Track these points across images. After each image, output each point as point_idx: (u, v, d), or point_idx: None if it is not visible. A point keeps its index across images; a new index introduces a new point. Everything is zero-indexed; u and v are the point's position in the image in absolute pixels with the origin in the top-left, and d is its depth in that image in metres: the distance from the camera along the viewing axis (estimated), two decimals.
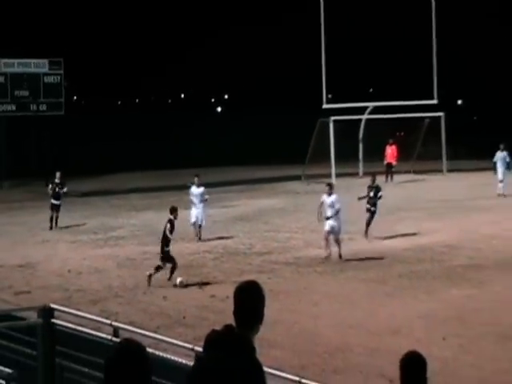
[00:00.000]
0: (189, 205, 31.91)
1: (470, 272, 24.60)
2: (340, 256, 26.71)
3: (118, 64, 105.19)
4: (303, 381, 10.00)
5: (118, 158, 57.40)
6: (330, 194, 27.46)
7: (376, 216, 30.11)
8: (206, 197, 32.10)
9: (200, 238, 30.88)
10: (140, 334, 11.94)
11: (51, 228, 34.69)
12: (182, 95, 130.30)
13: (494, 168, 42.01)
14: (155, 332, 13.94)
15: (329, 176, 49.48)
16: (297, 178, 50.77)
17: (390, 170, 50.39)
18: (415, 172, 52.76)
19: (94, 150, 60.34)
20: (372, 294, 22.28)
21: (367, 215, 30.13)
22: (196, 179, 32.10)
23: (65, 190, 35.59)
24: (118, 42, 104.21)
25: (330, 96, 51.88)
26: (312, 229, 31.64)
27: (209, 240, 30.83)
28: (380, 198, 30.23)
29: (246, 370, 5.78)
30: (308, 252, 27.80)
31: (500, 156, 41.76)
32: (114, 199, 43.75)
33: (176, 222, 24.58)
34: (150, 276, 23.76)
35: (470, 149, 63.78)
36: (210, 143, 67.03)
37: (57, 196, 35.20)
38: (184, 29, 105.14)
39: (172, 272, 24.08)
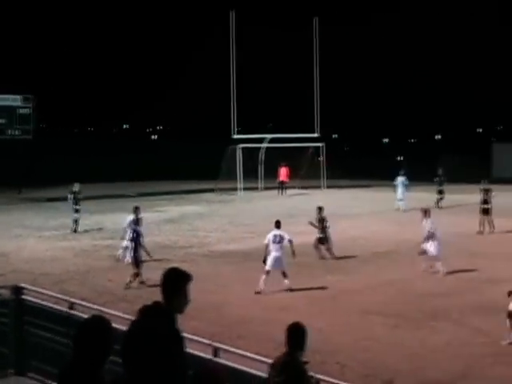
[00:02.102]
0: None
1: (340, 263, 24.93)
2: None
3: (77, 100, 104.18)
4: (213, 344, 10.05)
5: (74, 172, 56.68)
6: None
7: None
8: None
9: None
10: (91, 308, 11.87)
11: (75, 231, 32.36)
12: (125, 126, 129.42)
13: (394, 189, 40.77)
14: (103, 306, 13.85)
15: (236, 189, 49.68)
16: (211, 190, 50.82)
17: (282, 186, 50.74)
18: (301, 188, 53.15)
19: (56, 166, 59.55)
20: (267, 279, 22.38)
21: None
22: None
23: (79, 196, 33.49)
24: (76, 83, 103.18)
25: (238, 129, 52.05)
26: (223, 229, 31.69)
27: (145, 236, 30.58)
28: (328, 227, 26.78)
29: (167, 334, 5.80)
30: (220, 247, 27.83)
31: (400, 179, 40.73)
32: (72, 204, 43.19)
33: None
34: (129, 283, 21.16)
35: (343, 171, 64.53)
36: (147, 163, 66.66)
37: (76, 202, 33.23)
38: (129, 76, 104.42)
39: (135, 277, 21.35)
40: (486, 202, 31.52)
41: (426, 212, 24.11)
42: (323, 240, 26.42)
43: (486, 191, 32.10)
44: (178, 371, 5.71)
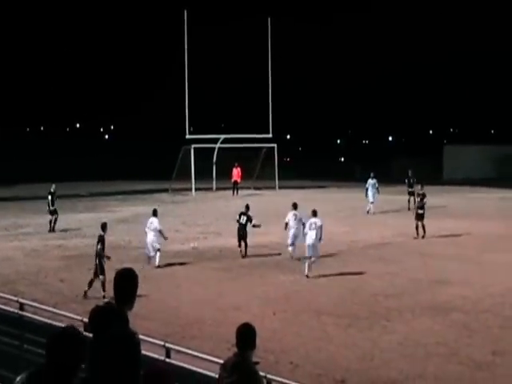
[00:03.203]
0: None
1: (293, 263, 24.93)
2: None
3: (27, 99, 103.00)
4: (167, 345, 10.01)
5: (25, 172, 56.26)
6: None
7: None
8: None
9: None
10: (41, 308, 11.73)
11: (50, 230, 32.26)
12: (78, 125, 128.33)
13: (365, 192, 40.29)
14: (54, 307, 13.70)
15: (190, 190, 49.51)
16: (165, 190, 50.63)
17: (235, 187, 50.70)
18: (255, 188, 53.22)
19: (6, 166, 58.84)
20: (220, 279, 22.39)
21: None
22: None
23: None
24: (27, 81, 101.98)
25: (191, 129, 51.89)
26: (176, 229, 31.57)
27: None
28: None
29: (122, 336, 5.74)
30: (173, 247, 27.67)
31: (371, 183, 40.28)
32: (23, 204, 42.78)
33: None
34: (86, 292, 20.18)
35: (296, 171, 64.85)
36: (99, 162, 66.14)
37: (53, 203, 32.82)
38: (82, 74, 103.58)
39: (103, 286, 20.09)
40: (421, 207, 31.49)
41: (294, 206, 27.39)
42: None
43: (421, 196, 32.05)
44: (135, 371, 5.65)
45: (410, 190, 40.58)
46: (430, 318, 17.98)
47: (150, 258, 24.70)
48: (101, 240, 20.74)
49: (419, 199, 31.76)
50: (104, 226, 21.47)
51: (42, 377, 5.06)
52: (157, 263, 24.29)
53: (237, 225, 26.77)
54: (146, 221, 25.82)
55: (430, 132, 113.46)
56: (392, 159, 71.97)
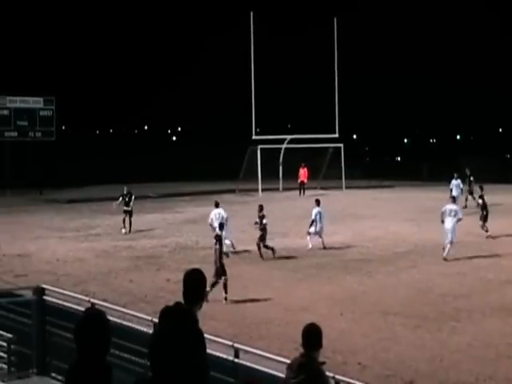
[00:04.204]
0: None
1: (360, 264, 24.81)
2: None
3: (97, 102, 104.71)
4: (235, 345, 10.05)
5: (95, 173, 57.02)
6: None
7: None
8: None
9: None
10: (111, 308, 11.90)
11: (124, 229, 32.18)
12: (146, 127, 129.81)
13: (450, 193, 37.91)
14: (123, 307, 13.89)
15: (256, 190, 49.63)
16: (232, 191, 50.80)
17: (302, 187, 50.60)
18: (321, 188, 53.05)
19: (77, 168, 59.86)
20: (287, 280, 22.38)
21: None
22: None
23: (132, 198, 33.12)
24: (97, 84, 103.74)
25: (258, 130, 52.02)
26: (243, 230, 31.68)
27: (166, 237, 30.76)
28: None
29: (191, 336, 5.81)
30: (240, 247, 27.76)
31: (454, 183, 39.45)
32: (93, 205, 43.37)
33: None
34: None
35: (363, 171, 64.46)
36: (167, 164, 66.76)
37: (127, 204, 32.89)
38: (149, 78, 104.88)
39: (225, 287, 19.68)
40: (481, 208, 31.08)
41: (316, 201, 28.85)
42: (262, 238, 26.42)
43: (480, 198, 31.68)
44: (201, 372, 5.70)
45: (468, 189, 39.92)
46: (500, 318, 17.70)
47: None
48: (219, 240, 20.50)
49: (481, 200, 31.35)
50: (222, 226, 21.52)
51: (78, 364, 5.14)
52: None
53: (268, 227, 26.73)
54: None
55: (500, 130, 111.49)
56: (460, 158, 70.95)
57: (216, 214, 26.13)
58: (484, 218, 30.53)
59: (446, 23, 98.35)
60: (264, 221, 26.69)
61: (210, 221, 26.35)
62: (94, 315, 5.30)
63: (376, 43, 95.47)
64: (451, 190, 39.02)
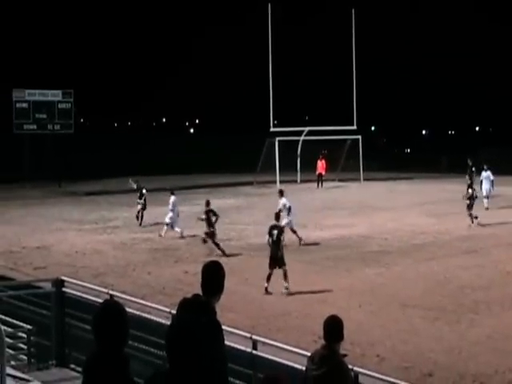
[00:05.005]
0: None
1: (378, 256, 24.77)
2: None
3: (115, 94, 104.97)
4: (253, 337, 10.06)
5: (113, 165, 57.11)
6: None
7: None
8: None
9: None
10: (130, 300, 11.95)
11: (139, 222, 32.44)
12: (164, 119, 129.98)
13: (480, 186, 36.24)
14: (142, 299, 13.93)
15: (274, 182, 49.57)
16: (250, 183, 50.82)
17: (320, 179, 50.54)
18: (339, 180, 52.97)
19: (95, 160, 60.08)
20: (305, 272, 22.36)
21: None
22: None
23: (143, 192, 32.97)
24: (114, 77, 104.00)
25: (275, 122, 51.97)
26: (261, 223, 31.66)
27: (183, 230, 30.77)
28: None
29: (209, 327, 5.82)
30: (258, 240, 27.69)
31: (484, 175, 37.08)
32: (110, 197, 43.51)
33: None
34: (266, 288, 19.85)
35: (380, 163, 64.25)
36: (184, 156, 66.87)
37: (139, 197, 32.80)
38: (167, 71, 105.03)
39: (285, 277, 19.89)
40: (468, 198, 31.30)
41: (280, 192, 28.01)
42: (210, 234, 25.82)
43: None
44: (219, 363, 5.71)
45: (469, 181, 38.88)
46: None
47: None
48: (282, 231, 20.87)
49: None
50: (278, 216, 21.72)
51: (97, 355, 5.16)
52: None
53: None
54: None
55: None
56: (479, 150, 70.53)
57: (285, 204, 26.66)
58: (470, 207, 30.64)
59: (466, 14, 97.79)
60: (213, 218, 25.92)
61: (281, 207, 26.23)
62: (112, 307, 5.31)
63: (395, 34, 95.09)
64: (481, 183, 36.94)
